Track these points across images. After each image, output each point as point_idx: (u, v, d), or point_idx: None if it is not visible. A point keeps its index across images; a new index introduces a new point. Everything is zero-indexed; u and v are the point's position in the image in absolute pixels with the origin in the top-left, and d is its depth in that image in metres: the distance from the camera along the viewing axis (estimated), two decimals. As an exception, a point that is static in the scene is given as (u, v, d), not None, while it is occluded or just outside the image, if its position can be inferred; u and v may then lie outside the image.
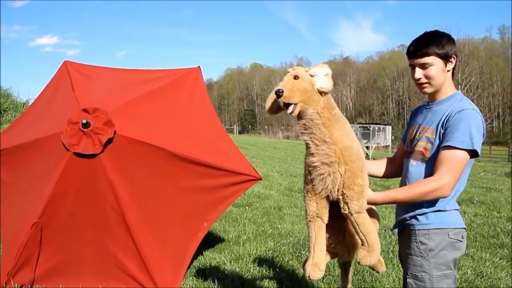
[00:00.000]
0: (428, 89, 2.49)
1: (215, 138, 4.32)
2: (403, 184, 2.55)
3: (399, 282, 4.28)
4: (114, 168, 3.75)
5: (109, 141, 3.72)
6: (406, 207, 2.50)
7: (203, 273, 4.36)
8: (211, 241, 5.41)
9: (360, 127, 29.99)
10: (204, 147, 4.08)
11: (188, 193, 3.94)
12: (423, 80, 2.45)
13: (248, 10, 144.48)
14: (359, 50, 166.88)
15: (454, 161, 2.28)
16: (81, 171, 3.74)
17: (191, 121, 4.30)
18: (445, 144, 2.30)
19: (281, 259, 4.86)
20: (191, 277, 4.27)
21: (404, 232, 2.56)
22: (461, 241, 2.42)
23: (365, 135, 28.52)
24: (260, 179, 4.12)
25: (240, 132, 73.16)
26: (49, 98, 4.49)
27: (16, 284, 3.79)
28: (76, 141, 3.69)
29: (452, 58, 2.43)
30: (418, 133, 2.51)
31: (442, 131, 2.34)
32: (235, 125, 75.12)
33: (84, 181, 3.77)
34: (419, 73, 2.44)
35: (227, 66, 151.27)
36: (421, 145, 2.46)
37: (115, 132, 3.73)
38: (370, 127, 28.80)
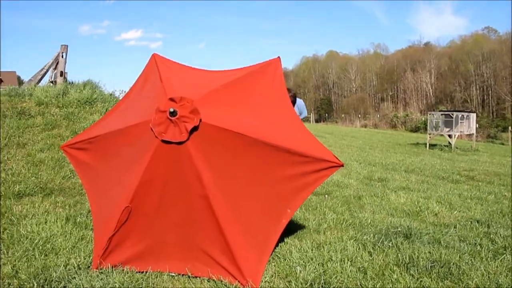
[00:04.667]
0: None
1: (294, 126, 4.33)
2: None
3: (488, 276, 4.11)
4: (199, 155, 3.86)
5: (195, 128, 3.83)
6: None
7: (285, 260, 4.41)
8: (291, 228, 5.45)
9: (442, 114, 28.63)
10: (286, 135, 4.10)
11: (272, 180, 3.98)
12: None
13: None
14: (439, 35, 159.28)
15: None
16: (169, 158, 3.88)
17: (271, 110, 4.33)
18: None
19: (363, 248, 4.81)
20: (274, 263, 4.33)
21: None
22: None
23: (448, 123, 27.17)
24: (342, 165, 4.08)
25: (316, 121, 72.52)
26: (139, 89, 4.69)
27: (108, 264, 4.02)
28: (164, 129, 3.83)
29: None
30: None
31: None
32: (311, 114, 74.43)
33: (172, 167, 3.91)
34: None
35: (302, 54, 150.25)
36: None
37: (200, 120, 3.83)
38: (453, 114, 27.37)
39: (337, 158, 4.08)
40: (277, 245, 4.62)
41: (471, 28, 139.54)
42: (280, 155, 3.91)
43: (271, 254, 4.25)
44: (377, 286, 3.88)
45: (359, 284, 3.91)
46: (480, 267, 4.30)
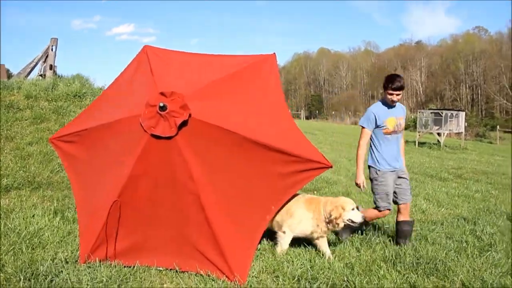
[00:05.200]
0: None
1: (286, 125, 4.33)
2: None
3: (474, 273, 4.16)
4: (189, 150, 3.86)
5: (184, 123, 3.82)
6: None
7: (273, 255, 4.42)
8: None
9: (431, 113, 28.77)
10: (277, 133, 4.10)
11: (260, 178, 4.00)
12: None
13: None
14: (431, 34, 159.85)
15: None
16: (158, 152, 3.88)
17: (264, 107, 4.32)
18: None
19: (351, 244, 4.84)
20: (261, 258, 4.33)
21: None
22: (376, 174, 5.00)
23: (437, 122, 27.29)
24: (331, 167, 4.10)
25: (307, 118, 72.31)
26: (128, 80, 4.63)
27: (96, 258, 4.01)
28: (154, 123, 3.82)
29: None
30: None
31: None
32: (302, 110, 74.18)
33: (161, 162, 3.90)
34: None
35: (294, 51, 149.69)
36: None
37: (190, 115, 3.82)
38: (442, 113, 27.50)
39: (326, 159, 4.09)
40: (266, 239, 4.64)
41: (463, 28, 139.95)
42: (268, 154, 3.92)
43: (258, 249, 4.27)
44: (364, 282, 3.91)
45: (346, 279, 3.93)
46: (465, 264, 4.35)
